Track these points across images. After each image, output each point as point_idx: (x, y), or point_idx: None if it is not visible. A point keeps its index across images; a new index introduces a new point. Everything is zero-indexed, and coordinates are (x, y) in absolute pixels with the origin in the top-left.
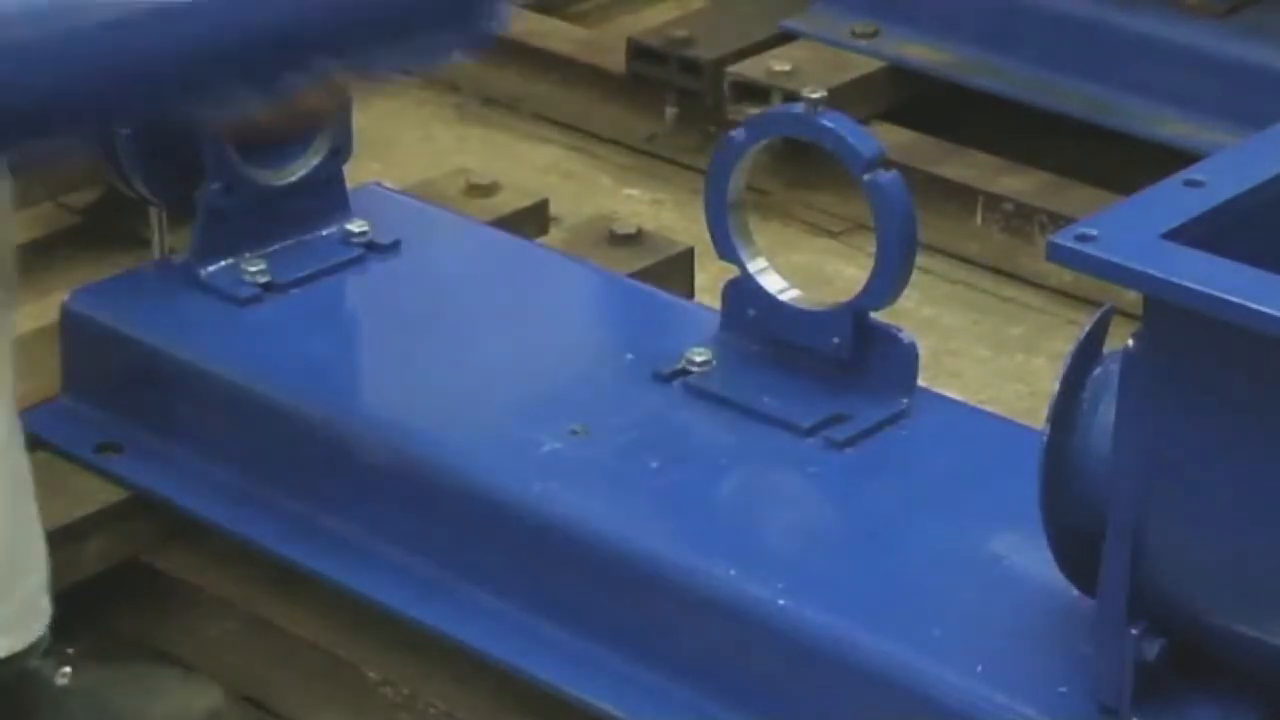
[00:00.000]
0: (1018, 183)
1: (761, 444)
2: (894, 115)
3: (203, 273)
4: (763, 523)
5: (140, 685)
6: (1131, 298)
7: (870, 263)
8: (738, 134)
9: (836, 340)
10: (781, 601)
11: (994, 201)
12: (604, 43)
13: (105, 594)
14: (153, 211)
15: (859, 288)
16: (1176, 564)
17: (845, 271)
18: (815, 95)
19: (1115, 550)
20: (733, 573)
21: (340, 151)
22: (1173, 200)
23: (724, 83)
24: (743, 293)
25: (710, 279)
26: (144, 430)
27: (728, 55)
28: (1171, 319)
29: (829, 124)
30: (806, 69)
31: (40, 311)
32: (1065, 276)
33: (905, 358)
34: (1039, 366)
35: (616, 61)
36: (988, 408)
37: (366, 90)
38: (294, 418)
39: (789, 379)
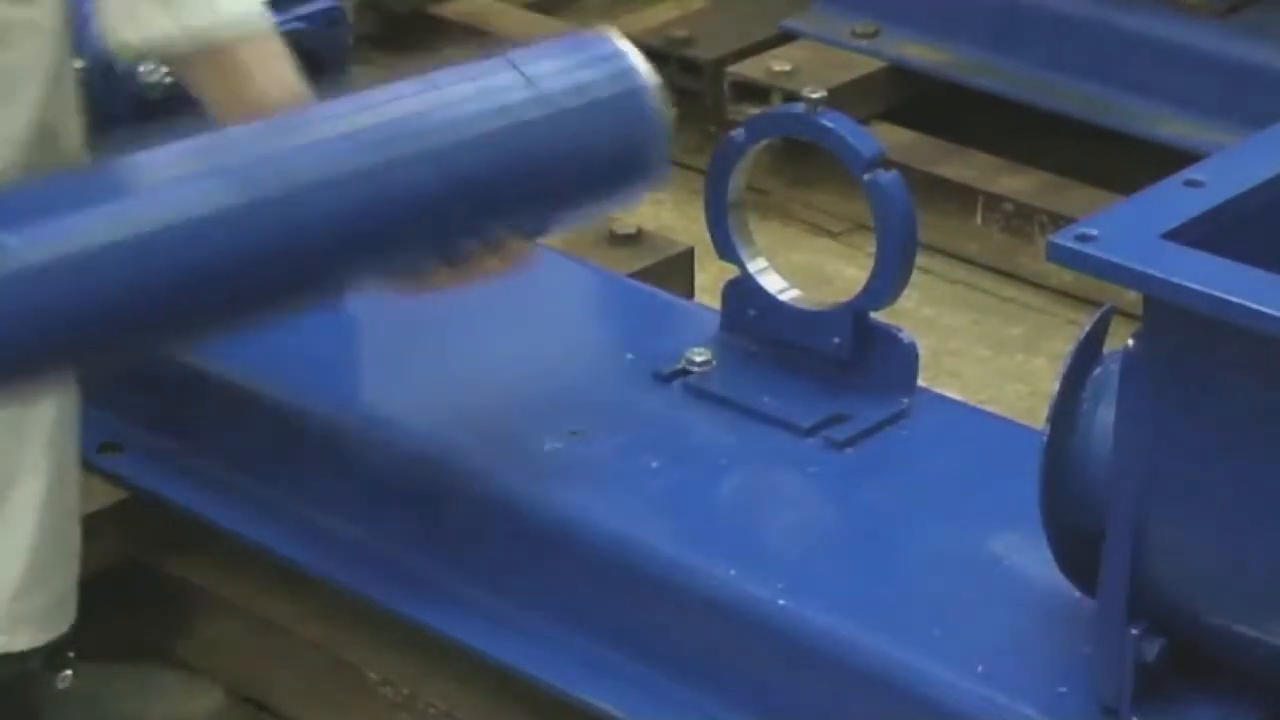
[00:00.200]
0: (1018, 183)
1: (761, 444)
2: (894, 115)
3: None
4: (763, 523)
5: (141, 686)
6: (1131, 298)
7: (870, 263)
8: (738, 134)
9: (836, 340)
10: (781, 601)
11: (994, 201)
12: None
13: (106, 595)
14: None
15: (859, 288)
16: (1176, 564)
17: (845, 271)
18: (815, 95)
19: (1115, 550)
20: (733, 573)
21: None
22: (1173, 200)
23: (724, 83)
24: (743, 293)
25: (710, 279)
26: (144, 430)
27: (728, 55)
28: (1171, 319)
29: (829, 124)
30: (806, 69)
31: None
32: (1065, 276)
33: (905, 358)
34: (1039, 366)
35: None
36: (988, 408)
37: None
38: (294, 417)
39: (789, 379)
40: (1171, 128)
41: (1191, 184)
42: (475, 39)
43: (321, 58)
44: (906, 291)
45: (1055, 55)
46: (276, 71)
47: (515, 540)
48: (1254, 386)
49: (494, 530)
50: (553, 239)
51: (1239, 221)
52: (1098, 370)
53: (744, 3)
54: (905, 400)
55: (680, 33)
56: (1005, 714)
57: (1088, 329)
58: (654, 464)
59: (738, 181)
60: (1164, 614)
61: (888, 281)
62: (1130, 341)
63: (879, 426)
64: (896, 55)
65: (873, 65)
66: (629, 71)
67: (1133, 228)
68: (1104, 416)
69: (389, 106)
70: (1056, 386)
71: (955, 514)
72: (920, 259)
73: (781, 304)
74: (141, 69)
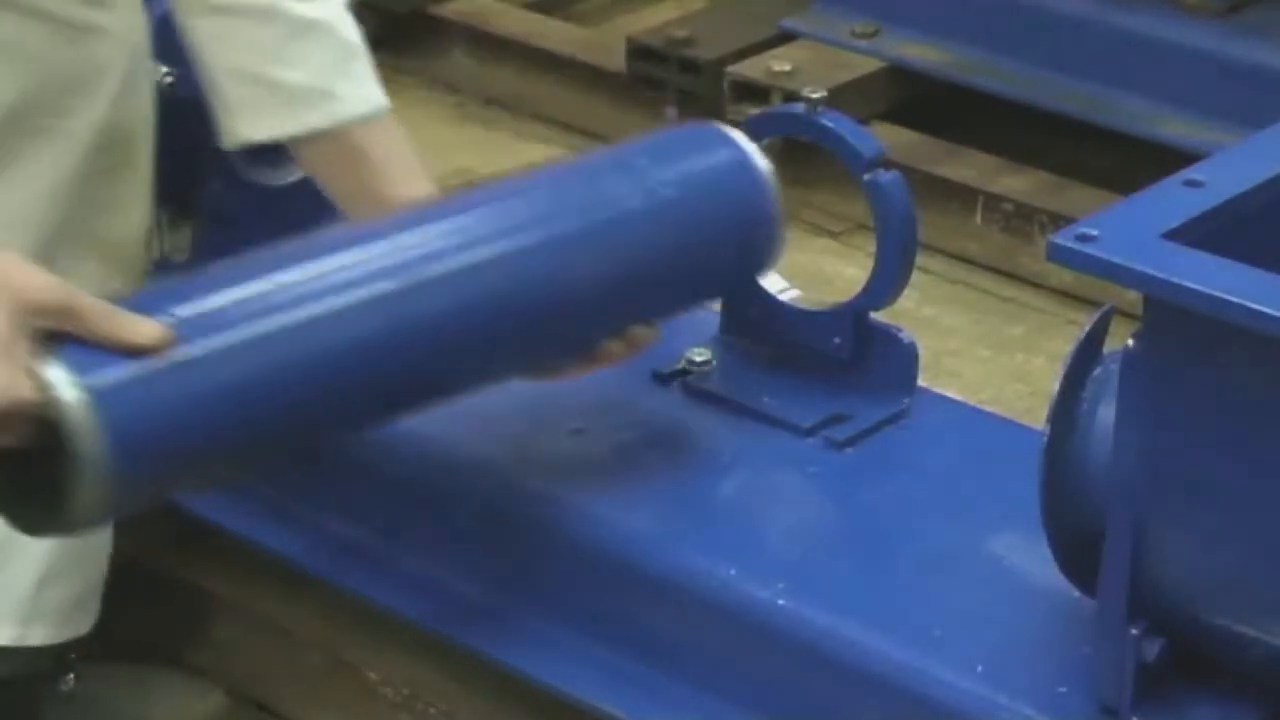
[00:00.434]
0: (1018, 183)
1: (761, 444)
2: (894, 115)
3: None
4: (763, 523)
5: (141, 687)
6: (1131, 298)
7: (870, 263)
8: None
9: (836, 340)
10: (781, 601)
11: (994, 201)
12: (604, 43)
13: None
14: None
15: (859, 288)
16: (1176, 564)
17: (845, 271)
18: (815, 95)
19: (1115, 550)
20: (733, 573)
21: None
22: (1173, 200)
23: (724, 83)
24: (742, 293)
25: None
26: None
27: (728, 55)
28: (1171, 319)
29: (829, 124)
30: (806, 69)
31: None
32: (1065, 276)
33: (905, 358)
34: (1039, 366)
35: (616, 61)
36: (988, 408)
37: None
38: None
39: (789, 379)
40: (1171, 128)
41: (1191, 184)
42: (476, 39)
43: None
44: (906, 291)
45: (1055, 55)
46: (399, 159)
47: (514, 540)
48: (1254, 386)
49: (492, 530)
50: None
51: (1239, 221)
52: (1098, 370)
53: (744, 3)
54: (905, 400)
55: (680, 33)
56: (1005, 714)
57: (1088, 329)
58: (654, 464)
59: None
60: (1164, 614)
61: (888, 281)
62: (1130, 341)
63: (879, 426)
64: (896, 55)
65: (873, 65)
66: (750, 164)
67: (1133, 228)
68: (1104, 416)
69: (532, 210)
70: (1056, 386)
71: (955, 514)
72: (920, 259)
73: (781, 304)
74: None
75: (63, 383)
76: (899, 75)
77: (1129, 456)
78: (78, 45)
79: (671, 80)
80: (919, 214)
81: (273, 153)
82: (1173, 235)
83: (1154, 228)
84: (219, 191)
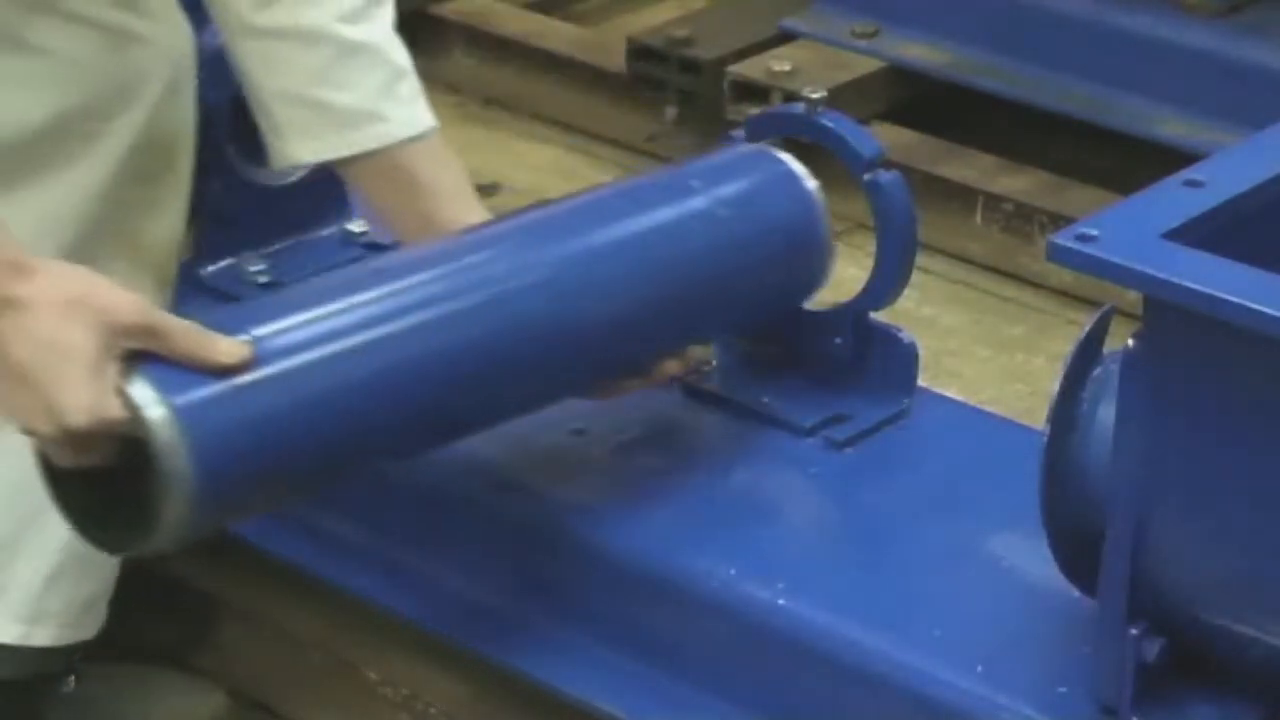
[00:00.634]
0: (1018, 183)
1: (761, 444)
2: (894, 115)
3: (203, 273)
4: (763, 523)
5: (143, 688)
6: (1131, 298)
7: (870, 263)
8: (738, 134)
9: (836, 340)
10: (781, 601)
11: (994, 201)
12: (604, 43)
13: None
14: None
15: (859, 288)
16: (1176, 564)
17: (845, 271)
18: (815, 95)
19: (1115, 550)
20: (733, 573)
21: None
22: (1173, 200)
23: (724, 83)
24: None
25: None
26: None
27: (728, 55)
28: (1171, 319)
29: (829, 124)
30: (806, 69)
31: None
32: (1065, 276)
33: (905, 358)
34: (1039, 366)
35: (616, 61)
36: (988, 408)
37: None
38: None
39: (789, 379)
40: (1171, 128)
41: (1191, 184)
42: (475, 39)
43: None
44: (906, 291)
45: (1055, 55)
46: (447, 179)
47: (513, 539)
48: (1254, 386)
49: (492, 530)
50: None
51: (1239, 221)
52: (1098, 370)
53: (744, 3)
54: (905, 400)
55: (680, 33)
56: (1005, 714)
57: (1088, 329)
58: (654, 464)
59: None
60: (1164, 614)
61: (888, 281)
62: (1130, 341)
63: (879, 426)
64: (896, 55)
65: (873, 65)
66: (802, 187)
67: (1133, 228)
68: (1104, 416)
69: (598, 229)
70: (1056, 386)
71: (955, 514)
72: (920, 259)
73: None
74: None
75: (150, 401)
76: (899, 75)
77: (1129, 456)
78: (122, 53)
79: (671, 80)
80: (919, 214)
81: None
82: (1173, 235)
83: (1154, 228)
84: (219, 191)
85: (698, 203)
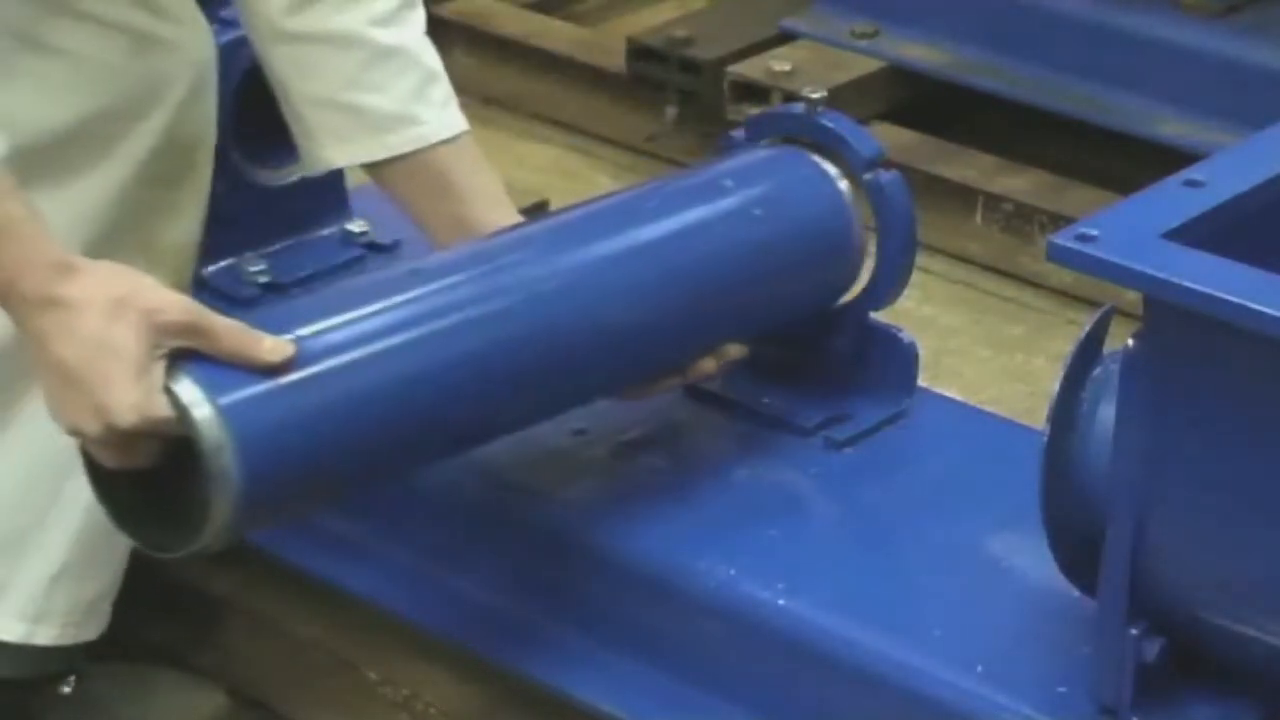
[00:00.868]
0: (1018, 183)
1: (762, 444)
2: (894, 115)
3: (204, 273)
4: (763, 523)
5: (143, 688)
6: (1131, 298)
7: (870, 263)
8: (738, 134)
9: (837, 340)
10: (781, 601)
11: (994, 201)
12: (604, 43)
13: None
14: None
15: (859, 288)
16: (1176, 564)
17: None
18: (815, 95)
19: (1115, 550)
20: (733, 573)
21: None
22: (1173, 200)
23: (724, 83)
24: None
25: None
26: None
27: (728, 55)
28: (1171, 319)
29: (829, 124)
30: (806, 69)
31: None
32: (1065, 276)
33: (905, 358)
34: (1039, 366)
35: (616, 61)
36: (988, 408)
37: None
38: None
39: (789, 379)
40: (1171, 128)
41: (1191, 184)
42: (475, 39)
43: None
44: (907, 291)
45: (1055, 55)
46: (480, 181)
47: (513, 539)
48: (1254, 386)
49: (492, 530)
50: None
51: (1239, 221)
52: (1098, 370)
53: (744, 3)
54: (905, 400)
55: (680, 33)
56: (1005, 714)
57: (1088, 329)
58: (654, 464)
59: None
60: (1164, 614)
61: (888, 281)
62: (1130, 341)
63: (879, 426)
64: (896, 55)
65: (872, 65)
66: (834, 187)
67: (1133, 228)
68: (1104, 416)
69: (633, 229)
70: (1056, 386)
71: (955, 514)
72: (920, 259)
73: None
74: None
75: (198, 400)
76: (899, 75)
77: (1129, 456)
78: (144, 56)
79: (671, 80)
80: (919, 214)
81: (273, 153)
82: (1173, 235)
83: (1154, 228)
84: (219, 191)
85: (731, 203)
